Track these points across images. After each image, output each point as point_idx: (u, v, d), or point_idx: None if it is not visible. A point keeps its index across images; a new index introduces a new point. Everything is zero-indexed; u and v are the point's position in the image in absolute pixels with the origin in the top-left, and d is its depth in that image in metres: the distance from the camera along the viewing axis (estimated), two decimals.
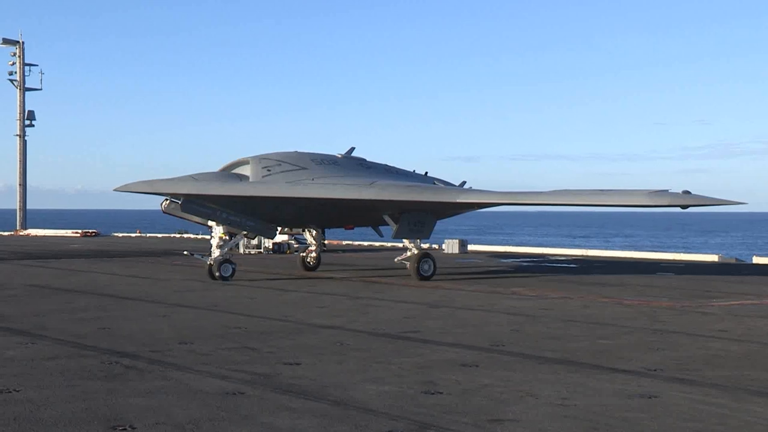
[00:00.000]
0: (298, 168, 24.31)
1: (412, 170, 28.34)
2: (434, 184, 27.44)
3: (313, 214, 25.05)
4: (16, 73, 67.13)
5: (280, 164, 24.15)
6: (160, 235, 55.29)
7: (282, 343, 12.04)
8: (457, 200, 23.64)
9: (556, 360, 10.88)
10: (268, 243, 39.66)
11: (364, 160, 27.01)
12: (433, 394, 8.72)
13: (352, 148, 27.12)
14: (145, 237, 55.59)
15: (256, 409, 7.97)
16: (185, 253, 26.57)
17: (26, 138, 66.95)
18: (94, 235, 59.23)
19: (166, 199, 23.64)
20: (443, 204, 23.99)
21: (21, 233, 62.59)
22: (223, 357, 10.83)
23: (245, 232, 24.04)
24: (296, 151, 25.47)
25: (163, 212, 24.09)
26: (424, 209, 24.05)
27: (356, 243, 47.93)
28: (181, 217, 24.16)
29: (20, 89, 66.94)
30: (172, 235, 54.73)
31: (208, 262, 23.35)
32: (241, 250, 38.66)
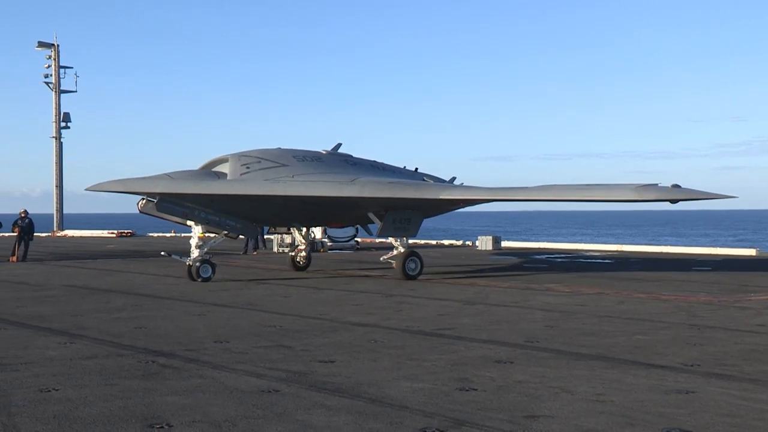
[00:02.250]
0: (278, 165, 23.61)
1: (402, 166, 27.61)
2: (423, 180, 26.64)
3: (295, 213, 24.39)
4: (51, 75, 68.06)
5: (259, 161, 23.47)
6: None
7: (316, 341, 12.08)
8: (440, 197, 22.71)
9: (591, 356, 10.81)
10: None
11: (350, 156, 26.29)
12: (467, 390, 8.70)
13: (339, 144, 26.52)
14: (180, 237, 56.05)
15: (291, 406, 8.01)
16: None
17: (62, 140, 67.92)
18: (129, 236, 59.84)
19: (143, 199, 22.98)
20: (426, 201, 23.16)
21: (58, 234, 63.40)
22: (258, 355, 10.89)
23: (226, 232, 23.36)
24: (279, 148, 24.85)
25: (140, 212, 23.31)
26: (408, 206, 23.40)
27: (389, 241, 47.93)
28: (158, 217, 23.50)
29: (56, 92, 67.83)
30: (207, 235, 55.09)
31: (187, 263, 22.70)
32: (275, 249, 38.89)
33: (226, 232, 23.27)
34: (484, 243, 40.89)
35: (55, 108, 67.79)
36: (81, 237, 60.48)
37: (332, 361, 10.40)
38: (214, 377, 9.41)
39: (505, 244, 43.09)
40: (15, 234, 32.77)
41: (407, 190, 23.04)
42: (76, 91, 69.45)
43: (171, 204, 22.27)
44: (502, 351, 11.22)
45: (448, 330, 13.24)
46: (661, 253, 38.27)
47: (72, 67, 69.65)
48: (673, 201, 19.90)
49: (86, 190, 23.27)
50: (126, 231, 62.72)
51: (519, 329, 13.34)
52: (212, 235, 23.36)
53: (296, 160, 24.19)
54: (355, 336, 12.61)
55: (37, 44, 67.64)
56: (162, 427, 7.25)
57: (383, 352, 11.16)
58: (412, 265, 23.33)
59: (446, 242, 47.73)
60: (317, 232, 38.60)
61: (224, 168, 23.33)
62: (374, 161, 26.90)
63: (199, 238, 22.94)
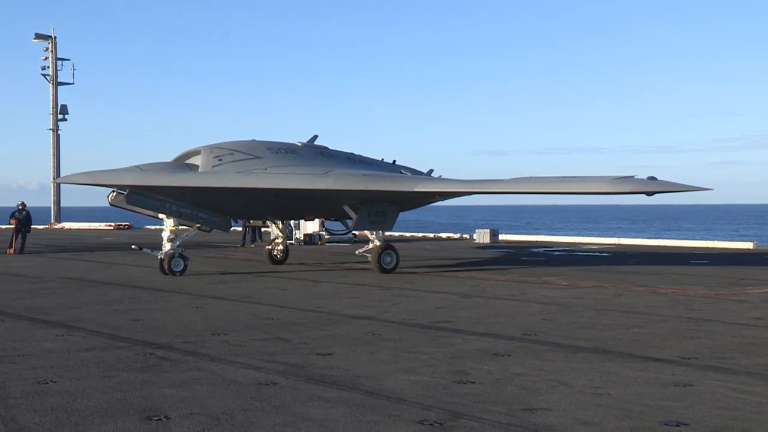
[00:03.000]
0: (252, 157, 23.13)
1: (380, 159, 27.21)
2: (401, 173, 26.18)
3: (268, 206, 23.94)
4: (48, 67, 67.92)
5: (232, 153, 23.00)
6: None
7: (314, 334, 12.09)
8: (415, 189, 22.31)
9: (588, 349, 10.83)
10: (299, 234, 39.84)
11: (326, 148, 25.81)
12: (465, 383, 8.71)
13: (315, 136, 26.00)
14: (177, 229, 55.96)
15: (289, 399, 8.01)
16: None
17: (59, 132, 67.83)
18: (127, 228, 59.76)
19: (113, 191, 22.44)
20: (400, 193, 22.71)
21: (55, 227, 63.34)
22: (256, 348, 10.90)
23: (198, 225, 22.91)
24: (253, 140, 24.39)
25: (110, 205, 22.84)
26: (382, 199, 23.00)
27: (386, 234, 47.96)
28: (128, 210, 23.05)
29: (53, 84, 67.73)
30: (180, 228, 55.10)
31: (159, 257, 22.33)
32: None
33: (198, 225, 22.85)
34: (482, 236, 40.90)
35: (53, 100, 67.69)
36: (78, 229, 60.41)
37: (330, 354, 10.41)
38: (211, 370, 9.42)
39: (502, 237, 43.11)
40: (12, 226, 32.75)
41: (382, 182, 22.58)
42: (73, 83, 69.50)
43: (141, 197, 21.83)
44: (500, 344, 11.23)
45: (445, 323, 13.25)
46: (659, 246, 38.30)
47: (69, 59, 69.68)
48: (649, 193, 19.61)
49: (53, 182, 22.89)
50: (123, 223, 62.62)
51: (516, 322, 13.36)
52: (185, 228, 22.99)
53: (270, 152, 23.73)
54: (352, 329, 12.62)
55: (34, 36, 67.52)
56: (160, 419, 7.26)
57: (381, 344, 11.17)
58: (388, 259, 23.04)
59: (444, 235, 47.73)
60: (315, 225, 38.67)
61: (197, 160, 22.89)
62: (351, 153, 26.41)
63: (171, 231, 22.46)
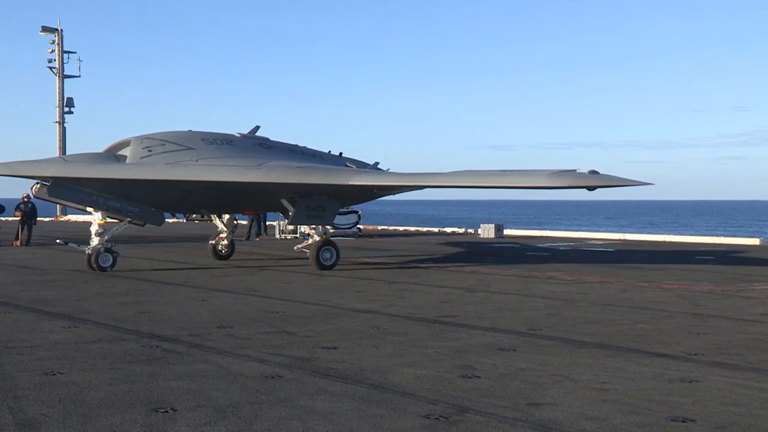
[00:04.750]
0: (183, 148, 22.22)
1: (327, 151, 26.35)
2: (346, 165, 25.33)
3: (200, 199, 22.94)
4: (54, 60, 68.00)
5: (163, 144, 22.11)
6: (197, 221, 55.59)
7: (319, 327, 12.10)
8: (349, 182, 21.60)
9: (594, 344, 10.82)
10: (304, 228, 39.83)
11: (267, 139, 24.84)
12: (470, 378, 8.72)
13: (257, 127, 25.11)
14: (183, 222, 56.02)
15: (294, 392, 8.03)
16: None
17: (65, 125, 67.91)
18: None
19: (38, 183, 21.38)
20: (333, 186, 21.88)
21: (61, 219, 63.44)
22: (262, 341, 10.92)
23: (129, 219, 21.97)
24: (189, 130, 23.46)
25: (35, 197, 21.89)
26: (319, 192, 22.21)
27: (391, 228, 48.10)
28: (54, 203, 22.33)
29: (59, 76, 67.79)
30: (108, 221, 54.96)
31: (87, 252, 21.43)
32: (277, 235, 38.92)
33: (129, 218, 22.03)
34: (487, 231, 40.87)
35: (59, 93, 67.77)
36: (84, 222, 60.44)
37: (335, 348, 10.42)
38: (217, 362, 9.44)
39: (507, 232, 43.07)
40: (17, 218, 32.84)
41: (314, 175, 21.71)
42: (79, 76, 69.42)
43: (65, 189, 21.02)
44: (505, 339, 11.24)
45: (450, 317, 13.26)
46: (664, 242, 38.23)
47: (75, 52, 69.68)
48: (590, 188, 19.17)
49: None
50: None
51: (521, 317, 13.36)
52: (114, 221, 22.19)
53: (204, 144, 22.82)
54: (357, 323, 12.64)
55: (40, 29, 67.58)
56: (166, 411, 7.28)
57: (386, 338, 11.18)
58: (327, 255, 22.18)
59: (449, 230, 47.71)
60: None
61: (126, 151, 22.07)
62: (294, 145, 25.45)
63: (99, 225, 21.58)
